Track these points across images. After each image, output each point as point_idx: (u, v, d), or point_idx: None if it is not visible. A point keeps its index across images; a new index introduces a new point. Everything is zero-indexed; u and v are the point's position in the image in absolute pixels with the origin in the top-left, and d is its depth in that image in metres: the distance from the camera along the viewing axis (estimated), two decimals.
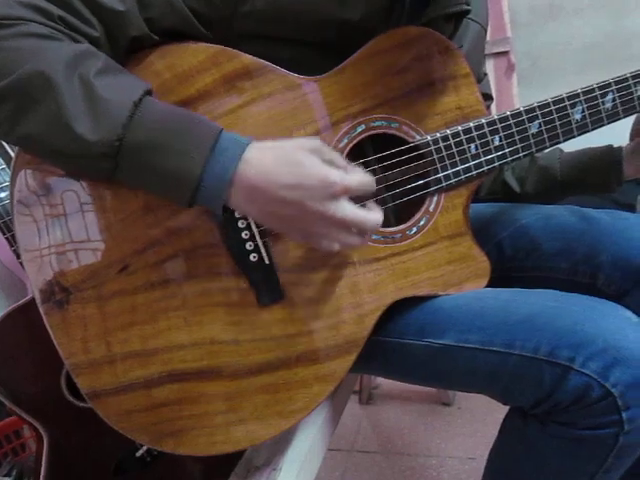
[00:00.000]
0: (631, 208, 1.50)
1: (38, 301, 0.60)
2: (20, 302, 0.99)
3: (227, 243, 0.63)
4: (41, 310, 0.60)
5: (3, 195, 0.98)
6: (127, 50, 0.60)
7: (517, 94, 1.55)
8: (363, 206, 0.59)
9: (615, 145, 0.83)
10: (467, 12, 0.79)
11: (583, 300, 0.64)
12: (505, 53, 1.54)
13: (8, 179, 0.98)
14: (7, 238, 0.98)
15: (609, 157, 0.81)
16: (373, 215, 0.57)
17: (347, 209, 0.56)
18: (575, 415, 0.61)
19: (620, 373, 0.57)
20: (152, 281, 0.62)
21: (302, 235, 0.59)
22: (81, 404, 0.91)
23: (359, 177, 0.57)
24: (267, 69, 0.65)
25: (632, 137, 0.82)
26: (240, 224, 0.63)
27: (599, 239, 0.73)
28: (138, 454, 0.92)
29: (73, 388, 0.91)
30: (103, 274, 0.61)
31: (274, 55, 0.65)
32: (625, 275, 0.70)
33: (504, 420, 0.73)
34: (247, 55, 0.64)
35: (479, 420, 1.37)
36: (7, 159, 1.01)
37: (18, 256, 1.00)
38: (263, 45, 0.65)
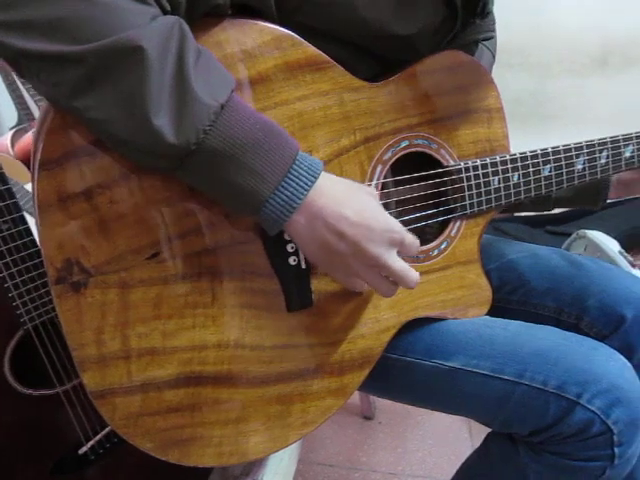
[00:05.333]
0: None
1: (51, 280, 0.51)
2: None
3: (266, 242, 0.59)
4: (52, 291, 0.51)
5: None
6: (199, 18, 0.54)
7: None
8: None
9: None
10: (491, 38, 0.82)
11: (586, 341, 0.68)
12: None
13: None
14: None
15: (601, 179, 0.83)
16: (414, 274, 0.58)
17: (398, 260, 0.57)
18: (571, 447, 0.64)
19: (620, 412, 0.62)
20: (183, 273, 0.55)
21: (345, 274, 0.59)
22: (26, 391, 0.79)
23: (413, 237, 0.59)
24: (328, 65, 0.62)
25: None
26: None
27: (588, 285, 0.79)
28: (81, 451, 0.82)
29: (18, 371, 0.79)
30: (130, 259, 0.53)
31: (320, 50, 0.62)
32: (608, 321, 0.76)
33: (487, 441, 0.75)
34: (310, 46, 0.61)
35: (399, 436, 1.40)
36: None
37: None
38: (312, 39, 0.62)
